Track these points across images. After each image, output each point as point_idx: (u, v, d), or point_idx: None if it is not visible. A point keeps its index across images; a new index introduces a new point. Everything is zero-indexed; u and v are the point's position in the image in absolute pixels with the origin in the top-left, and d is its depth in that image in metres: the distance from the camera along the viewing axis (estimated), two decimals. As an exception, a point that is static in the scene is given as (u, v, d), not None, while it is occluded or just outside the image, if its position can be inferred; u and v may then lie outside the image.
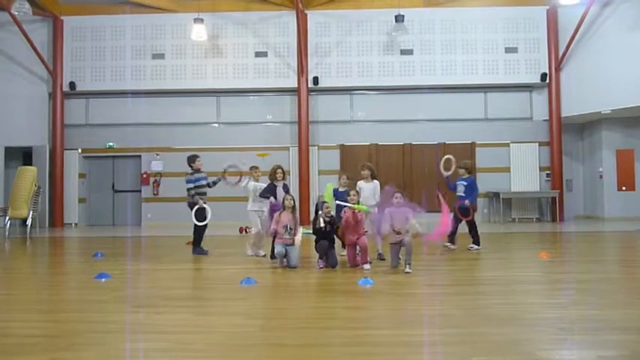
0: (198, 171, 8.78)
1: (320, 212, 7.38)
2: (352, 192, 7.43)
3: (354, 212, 7.17)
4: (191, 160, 8.81)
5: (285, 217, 7.37)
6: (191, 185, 8.64)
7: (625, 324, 4.24)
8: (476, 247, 8.95)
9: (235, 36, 15.39)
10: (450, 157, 9.21)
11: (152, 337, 4.09)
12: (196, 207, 8.56)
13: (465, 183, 9.12)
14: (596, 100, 14.15)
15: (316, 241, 7.42)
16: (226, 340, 4.02)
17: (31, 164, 14.33)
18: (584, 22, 14.06)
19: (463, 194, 9.01)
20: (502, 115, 15.44)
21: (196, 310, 4.97)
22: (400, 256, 7.05)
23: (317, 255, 7.44)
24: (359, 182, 8.09)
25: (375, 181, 8.09)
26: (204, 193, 8.77)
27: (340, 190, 7.97)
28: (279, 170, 8.12)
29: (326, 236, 7.30)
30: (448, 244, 8.98)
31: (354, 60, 15.27)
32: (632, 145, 15.13)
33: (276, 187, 8.05)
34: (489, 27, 15.21)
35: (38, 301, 5.56)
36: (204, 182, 8.81)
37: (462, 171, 9.25)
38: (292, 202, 7.48)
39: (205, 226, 8.68)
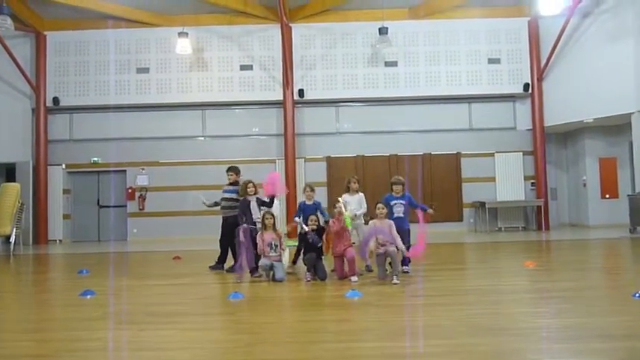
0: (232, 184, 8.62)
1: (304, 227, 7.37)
2: (339, 204, 7.41)
3: (339, 222, 7.17)
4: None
5: (269, 236, 7.35)
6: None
7: (610, 332, 4.27)
8: (406, 268, 7.64)
9: (220, 49, 15.41)
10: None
11: (138, 354, 4.04)
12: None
13: (403, 202, 7.59)
14: (578, 109, 14.34)
15: (304, 253, 7.41)
16: (213, 356, 3.99)
17: (14, 181, 14.12)
18: (564, 32, 14.27)
19: (402, 215, 7.52)
20: (486, 125, 15.58)
21: (183, 326, 4.92)
22: (387, 267, 7.06)
23: (303, 267, 7.43)
24: (344, 195, 8.07)
25: (361, 194, 8.11)
26: (226, 207, 8.53)
27: (307, 203, 7.98)
28: (250, 184, 8.04)
29: (314, 248, 7.29)
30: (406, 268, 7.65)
31: (339, 72, 15.35)
32: (614, 153, 15.33)
33: (249, 202, 7.97)
34: (472, 38, 15.39)
35: (22, 320, 5.47)
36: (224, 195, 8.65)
37: (397, 187, 7.66)
38: (272, 219, 7.45)
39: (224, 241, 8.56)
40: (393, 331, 4.54)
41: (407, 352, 3.93)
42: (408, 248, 7.30)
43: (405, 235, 7.33)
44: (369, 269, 7.73)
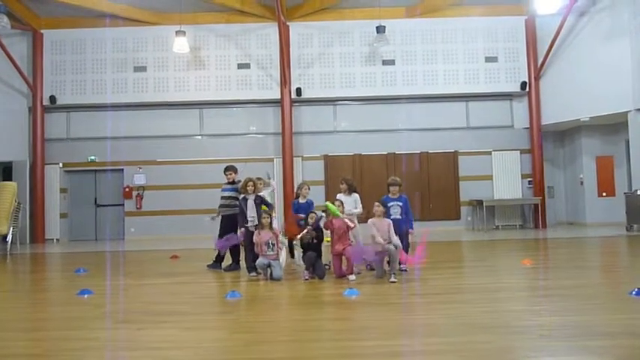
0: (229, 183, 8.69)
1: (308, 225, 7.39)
2: (337, 202, 7.47)
3: (343, 220, 7.18)
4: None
5: (266, 235, 7.37)
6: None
7: (607, 329, 4.28)
8: (404, 266, 7.57)
9: (217, 48, 15.39)
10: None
11: (136, 353, 4.03)
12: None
13: (400, 203, 7.55)
14: (575, 107, 14.37)
15: (303, 252, 7.42)
16: (212, 355, 3.99)
17: (11, 179, 14.11)
18: (561, 31, 14.30)
19: (399, 217, 7.48)
20: (483, 123, 15.61)
21: (181, 325, 4.91)
22: (385, 265, 7.07)
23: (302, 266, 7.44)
24: (339, 195, 8.08)
25: (355, 194, 8.10)
26: (224, 205, 8.56)
27: (301, 201, 8.20)
28: (250, 183, 8.06)
29: (313, 247, 7.30)
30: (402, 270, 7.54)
31: (337, 71, 15.35)
32: (611, 152, 15.38)
33: (247, 200, 7.99)
34: (469, 37, 15.41)
35: (19, 320, 5.46)
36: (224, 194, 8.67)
37: (394, 189, 7.62)
38: (269, 218, 7.48)
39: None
40: (391, 330, 4.55)
41: (405, 351, 3.94)
42: (406, 250, 7.36)
43: (403, 237, 7.37)
44: (371, 267, 7.71)
